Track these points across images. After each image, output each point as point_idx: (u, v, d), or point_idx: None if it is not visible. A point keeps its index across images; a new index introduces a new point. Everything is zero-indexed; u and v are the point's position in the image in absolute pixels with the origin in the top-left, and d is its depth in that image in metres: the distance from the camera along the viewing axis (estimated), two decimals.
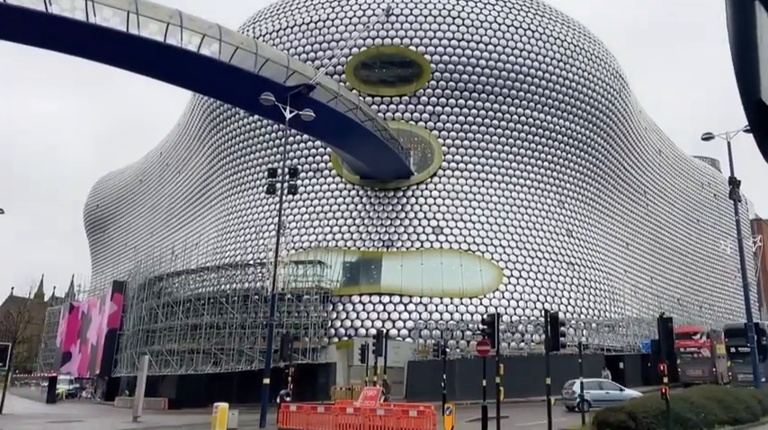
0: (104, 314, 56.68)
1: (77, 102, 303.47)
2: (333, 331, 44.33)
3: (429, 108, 52.72)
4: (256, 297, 42.19)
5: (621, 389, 27.69)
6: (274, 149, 55.76)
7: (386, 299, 45.69)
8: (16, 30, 29.54)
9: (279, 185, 27.48)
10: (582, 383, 23.38)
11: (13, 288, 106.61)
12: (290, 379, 27.23)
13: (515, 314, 46.38)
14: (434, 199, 50.88)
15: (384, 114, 51.55)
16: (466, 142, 52.87)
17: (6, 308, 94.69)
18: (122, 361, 50.04)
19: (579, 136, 58.20)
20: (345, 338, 43.43)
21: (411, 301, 45.38)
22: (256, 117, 55.09)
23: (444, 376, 27.48)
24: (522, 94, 54.27)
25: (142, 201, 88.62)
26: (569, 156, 57.69)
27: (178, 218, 75.40)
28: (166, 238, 75.30)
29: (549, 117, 55.71)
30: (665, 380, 19.02)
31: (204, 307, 42.66)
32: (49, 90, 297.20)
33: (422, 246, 48.53)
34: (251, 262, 46.74)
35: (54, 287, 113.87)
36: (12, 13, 27.31)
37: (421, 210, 50.28)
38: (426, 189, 51.33)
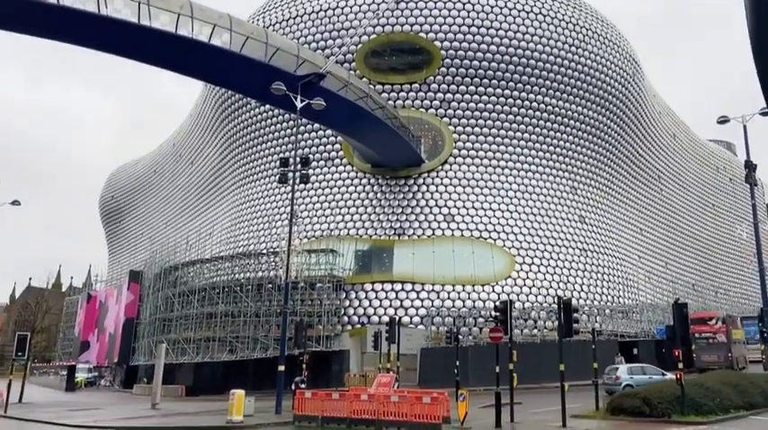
0: (121, 303, 57.38)
1: (97, 90, 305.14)
2: (346, 319, 44.59)
3: (440, 95, 52.42)
4: (270, 285, 42.49)
5: (663, 374, 27.52)
6: (286, 139, 55.83)
7: (398, 286, 45.83)
8: (28, 21, 29.69)
9: (291, 175, 27.53)
10: (618, 368, 23.07)
11: (30, 278, 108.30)
12: (304, 366, 27.46)
13: (528, 301, 46.33)
14: (446, 186, 50.76)
15: (394, 102, 51.37)
16: (477, 129, 52.57)
17: (25, 298, 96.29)
18: (140, 349, 50.71)
19: (592, 121, 57.63)
20: (358, 326, 43.69)
21: (423, 289, 45.49)
22: (268, 107, 55.14)
23: (457, 363, 27.64)
24: (533, 79, 53.76)
25: (156, 192, 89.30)
26: (582, 141, 57.18)
27: (192, 208, 75.93)
28: (181, 228, 75.92)
29: (561, 102, 55.18)
30: (680, 365, 18.95)
31: (219, 295, 43.04)
32: (69, 79, 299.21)
33: (433, 233, 48.52)
34: (264, 251, 47.01)
35: (71, 277, 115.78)
36: (23, 5, 27.45)
37: (432, 198, 50.22)
38: (437, 176, 51.21)
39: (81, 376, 58.09)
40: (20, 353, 30.76)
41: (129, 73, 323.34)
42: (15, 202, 37.20)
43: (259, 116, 58.03)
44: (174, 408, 28.78)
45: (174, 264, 49.33)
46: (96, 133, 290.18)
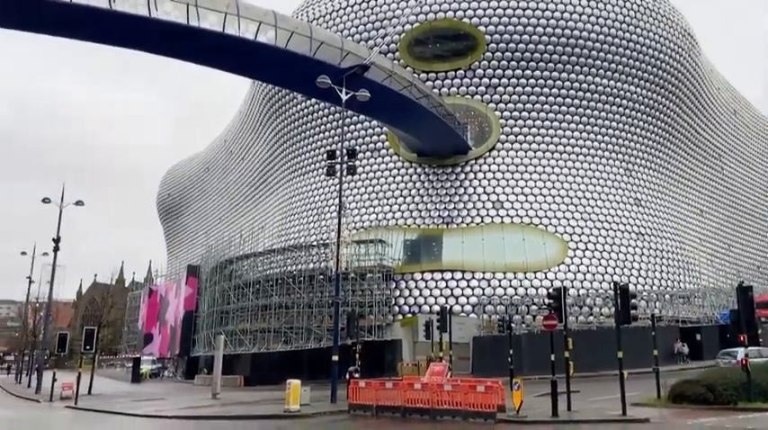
0: (180, 297, 59.36)
1: (153, 90, 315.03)
2: (396, 308, 44.77)
3: (485, 81, 51.63)
4: (321, 277, 43.07)
5: None
6: (332, 131, 56.26)
7: (448, 275, 45.65)
8: (83, 28, 30.87)
9: (338, 167, 27.71)
10: (736, 352, 22.02)
11: (96, 275, 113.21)
12: (357, 355, 27.74)
13: (582, 287, 45.36)
14: (494, 173, 50.08)
15: (439, 90, 50.92)
16: (524, 113, 51.54)
17: (91, 294, 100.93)
18: (199, 341, 52.38)
19: (646, 100, 55.55)
20: (409, 315, 43.78)
21: (473, 277, 45.18)
22: (314, 101, 55.65)
23: (511, 351, 27.32)
24: (582, 59, 52.21)
25: (210, 189, 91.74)
26: (636, 121, 55.23)
27: (244, 203, 77.64)
28: (234, 223, 77.80)
29: (612, 82, 53.42)
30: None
31: (273, 288, 43.94)
32: (126, 79, 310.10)
33: (482, 221, 48.04)
34: (314, 243, 47.62)
35: (134, 273, 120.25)
36: (78, 12, 28.51)
37: (480, 185, 49.67)
38: (485, 163, 50.58)
39: (146, 368, 60.48)
40: (88, 347, 32.09)
41: (179, 71, 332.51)
42: (79, 203, 38.93)
43: (306, 110, 58.65)
44: (233, 398, 29.66)
45: (229, 257, 50.64)
46: (152, 132, 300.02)
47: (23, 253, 49.08)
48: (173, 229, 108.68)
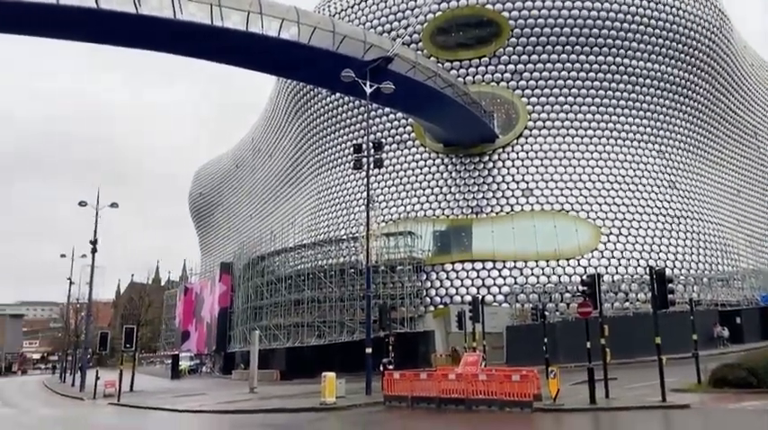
0: (215, 294, 60.46)
1: (184, 88, 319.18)
2: (428, 300, 44.81)
3: (510, 67, 51.01)
4: (352, 270, 43.32)
5: None
6: (358, 125, 56.33)
7: (479, 265, 45.47)
8: (109, 32, 31.49)
9: (365, 160, 27.76)
10: None
11: (133, 275, 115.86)
12: (390, 348, 27.86)
13: (617, 273, 44.71)
14: (522, 160, 49.55)
15: (464, 78, 50.49)
16: (552, 98, 50.77)
17: (128, 294, 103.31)
18: (235, 337, 53.29)
19: (677, 80, 54.14)
20: (441, 306, 43.77)
21: (505, 266, 44.92)
22: (338, 95, 55.77)
23: (545, 339, 27.08)
24: (610, 41, 51.12)
25: (239, 186, 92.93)
26: (668, 102, 53.91)
27: (273, 199, 78.45)
28: (265, 219, 78.73)
29: (642, 63, 52.20)
30: None
31: (304, 282, 44.39)
32: (159, 80, 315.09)
33: (512, 210, 47.64)
34: (344, 237, 47.93)
35: (169, 272, 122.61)
36: (104, 17, 29.08)
37: (509, 174, 49.21)
38: (513, 151, 50.07)
39: (184, 364, 61.80)
40: (128, 345, 32.84)
41: (206, 70, 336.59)
42: (114, 205, 39.85)
43: (331, 105, 58.85)
44: (270, 392, 30.12)
45: (261, 254, 51.32)
46: (179, 132, 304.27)
47: (63, 255, 50.57)
48: (205, 228, 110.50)
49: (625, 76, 51.81)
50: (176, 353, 63.94)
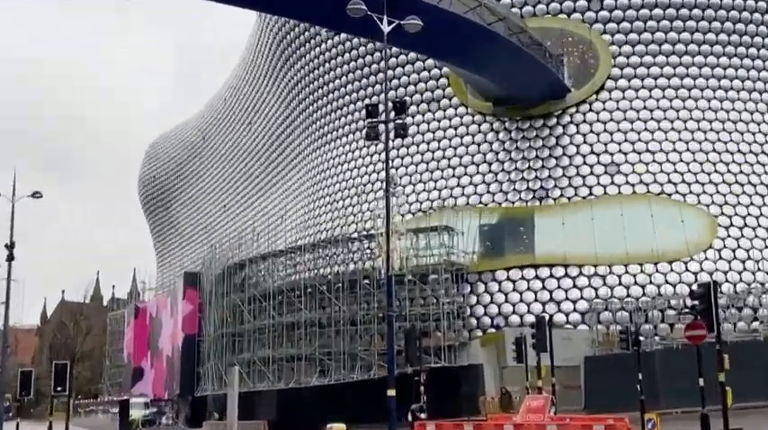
0: (177, 316, 61.11)
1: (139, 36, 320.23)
2: (474, 321, 44.95)
3: None
4: (366, 281, 43.50)
5: None
6: (372, 78, 56.41)
7: (544, 272, 45.47)
8: None
9: (382, 127, 27.77)
10: None
11: (63, 291, 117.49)
12: (422, 389, 27.96)
13: (741, 281, 44.42)
14: (604, 124, 49.33)
15: (521, 9, 50.38)
16: (646, 35, 50.36)
17: (59, 317, 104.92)
18: (206, 375, 53.85)
19: None
20: (492, 330, 43.91)
21: (581, 273, 44.91)
22: (343, 37, 55.86)
23: (640, 375, 26.99)
24: None
25: (208, 166, 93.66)
26: None
27: (255, 185, 79.06)
28: (244, 213, 79.42)
29: None
30: None
31: (301, 299, 44.69)
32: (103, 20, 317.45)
33: (590, 193, 47.55)
34: (355, 235, 48.10)
35: (113, 286, 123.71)
36: None
37: (585, 142, 49.07)
38: (591, 111, 49.88)
39: (136, 414, 62.54)
40: (59, 388, 33.20)
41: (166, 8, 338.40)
42: (36, 194, 40.26)
43: (331, 52, 59.03)
44: None
45: (240, 260, 51.72)
46: (133, 92, 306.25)
47: None
48: (162, 224, 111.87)
49: (747, 10, 51.26)
50: (126, 398, 64.82)
